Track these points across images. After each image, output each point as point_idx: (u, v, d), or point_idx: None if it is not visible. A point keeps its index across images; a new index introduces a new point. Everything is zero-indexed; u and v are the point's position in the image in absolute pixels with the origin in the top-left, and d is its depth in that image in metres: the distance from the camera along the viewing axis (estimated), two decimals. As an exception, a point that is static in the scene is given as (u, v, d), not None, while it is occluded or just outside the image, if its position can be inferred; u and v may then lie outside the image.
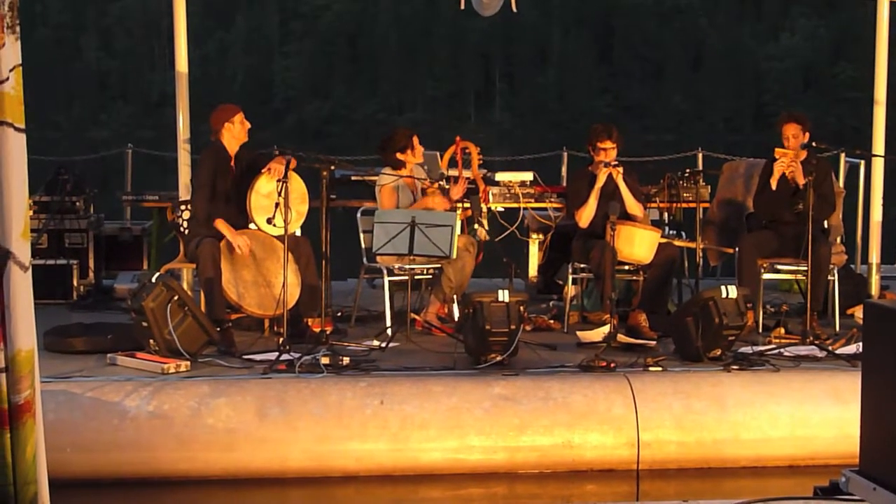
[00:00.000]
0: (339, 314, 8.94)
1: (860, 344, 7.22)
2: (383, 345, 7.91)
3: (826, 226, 9.07)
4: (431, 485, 6.88)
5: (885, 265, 10.36)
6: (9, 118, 4.20)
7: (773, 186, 8.65)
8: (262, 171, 8.07)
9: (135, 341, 7.54)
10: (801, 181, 8.44)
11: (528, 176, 9.64)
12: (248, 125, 8.27)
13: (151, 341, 7.38)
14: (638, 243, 8.36)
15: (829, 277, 8.65)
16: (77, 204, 9.95)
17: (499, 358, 7.32)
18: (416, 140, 8.77)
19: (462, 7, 9.45)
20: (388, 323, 8.43)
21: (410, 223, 8.09)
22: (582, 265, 8.69)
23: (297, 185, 8.10)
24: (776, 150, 8.64)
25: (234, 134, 8.21)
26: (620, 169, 8.69)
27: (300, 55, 73.48)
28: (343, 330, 8.45)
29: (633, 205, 8.68)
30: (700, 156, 14.60)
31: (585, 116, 52.76)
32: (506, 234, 9.41)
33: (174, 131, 8.96)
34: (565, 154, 14.48)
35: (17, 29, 4.23)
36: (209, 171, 8.16)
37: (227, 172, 8.21)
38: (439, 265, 8.49)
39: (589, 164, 8.88)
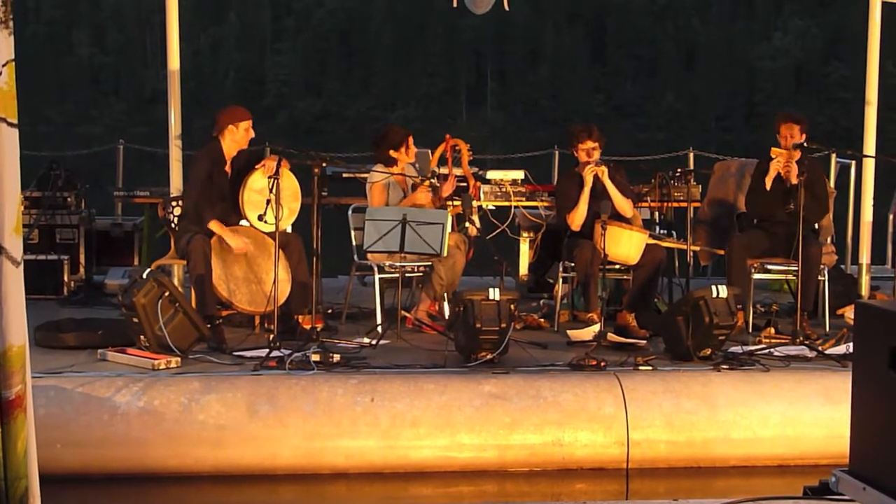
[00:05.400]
0: (329, 311, 8.92)
1: (850, 344, 7.27)
2: (374, 342, 7.90)
3: (816, 226, 9.07)
4: (422, 482, 6.88)
5: (876, 265, 10.37)
6: (1, 113, 4.19)
7: (768, 186, 8.65)
8: (256, 167, 8.07)
9: (125, 337, 7.53)
10: (795, 181, 8.45)
11: (519, 174, 9.64)
12: (252, 134, 8.22)
13: (142, 337, 7.37)
14: (624, 243, 8.36)
15: (820, 277, 8.66)
16: (68, 199, 9.92)
17: (489, 356, 7.32)
18: (410, 139, 8.77)
19: (455, 5, 9.45)
20: (379, 320, 8.42)
21: (402, 221, 8.08)
22: (572, 264, 8.70)
23: (290, 182, 8.09)
24: (773, 149, 8.63)
25: (236, 138, 8.16)
26: (604, 169, 8.69)
27: (293, 52, 73.45)
28: (334, 327, 8.43)
29: (622, 203, 8.68)
30: (691, 155, 14.60)
31: (578, 115, 52.80)
32: (496, 232, 9.40)
33: (166, 127, 8.94)
34: (557, 153, 14.48)
35: (10, 24, 4.22)
36: (205, 169, 8.12)
37: (222, 172, 8.19)
38: (430, 263, 8.49)
39: (576, 166, 8.88)
